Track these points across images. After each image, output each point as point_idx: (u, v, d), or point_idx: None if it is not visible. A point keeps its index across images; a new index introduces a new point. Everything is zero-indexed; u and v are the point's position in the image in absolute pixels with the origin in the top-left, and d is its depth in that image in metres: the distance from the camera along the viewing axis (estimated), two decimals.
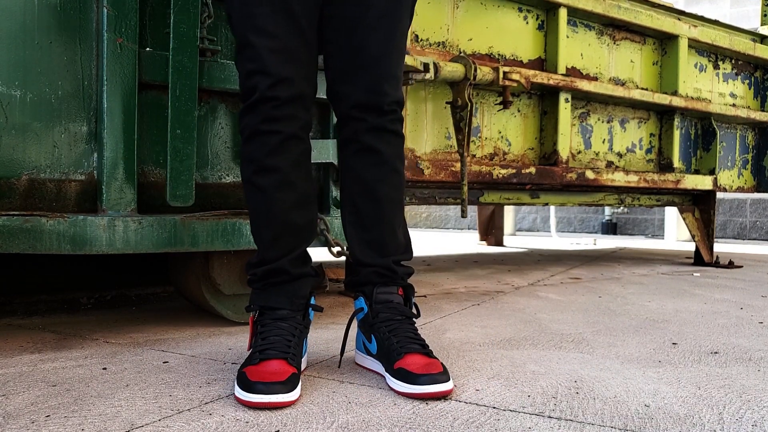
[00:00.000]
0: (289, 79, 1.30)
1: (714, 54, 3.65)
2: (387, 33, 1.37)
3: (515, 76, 2.51)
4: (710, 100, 3.59)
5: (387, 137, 1.41)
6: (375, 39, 1.36)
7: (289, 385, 1.17)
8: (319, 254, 3.92)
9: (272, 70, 1.28)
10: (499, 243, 5.34)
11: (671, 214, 6.43)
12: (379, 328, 1.36)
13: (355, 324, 1.53)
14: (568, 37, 2.98)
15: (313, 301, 1.41)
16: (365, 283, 1.42)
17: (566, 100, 2.88)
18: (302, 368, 1.36)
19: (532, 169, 2.75)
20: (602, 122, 3.19)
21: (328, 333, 1.79)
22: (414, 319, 1.41)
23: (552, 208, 7.01)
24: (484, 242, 5.39)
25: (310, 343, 1.65)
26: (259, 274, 1.37)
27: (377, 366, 1.37)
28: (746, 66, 3.82)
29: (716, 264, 3.75)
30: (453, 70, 2.33)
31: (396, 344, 1.31)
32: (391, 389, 1.26)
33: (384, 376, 1.32)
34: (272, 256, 1.35)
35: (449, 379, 1.23)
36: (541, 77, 2.72)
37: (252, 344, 1.33)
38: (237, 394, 1.18)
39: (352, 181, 1.43)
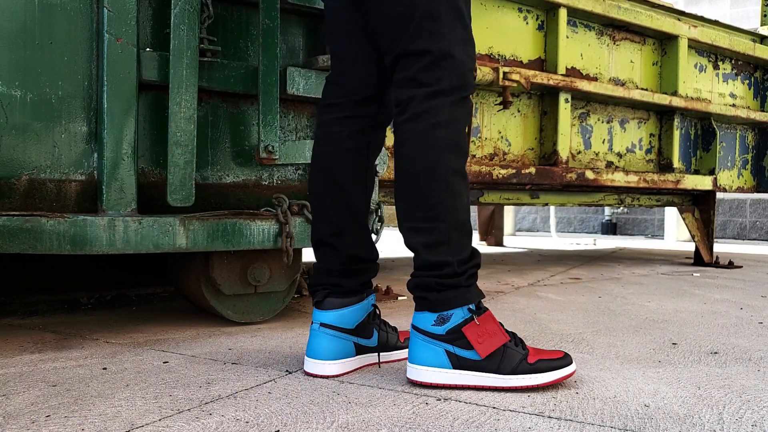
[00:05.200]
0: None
1: (714, 54, 3.65)
2: None
3: (515, 77, 2.51)
4: (710, 101, 3.59)
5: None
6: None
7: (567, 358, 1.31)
8: None
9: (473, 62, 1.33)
10: (499, 243, 5.35)
11: (671, 214, 6.43)
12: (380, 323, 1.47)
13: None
14: (568, 37, 2.98)
15: None
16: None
17: (566, 101, 2.88)
18: None
19: (532, 170, 2.75)
20: (602, 122, 3.19)
21: None
22: None
23: (552, 208, 7.01)
24: (484, 242, 5.39)
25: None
26: (478, 267, 1.34)
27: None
28: (746, 66, 3.83)
29: (716, 264, 3.75)
30: None
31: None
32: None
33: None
34: (475, 250, 1.35)
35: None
36: (541, 77, 2.72)
37: (507, 333, 1.31)
38: (559, 375, 1.27)
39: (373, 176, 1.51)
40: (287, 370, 1.40)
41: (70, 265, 2.24)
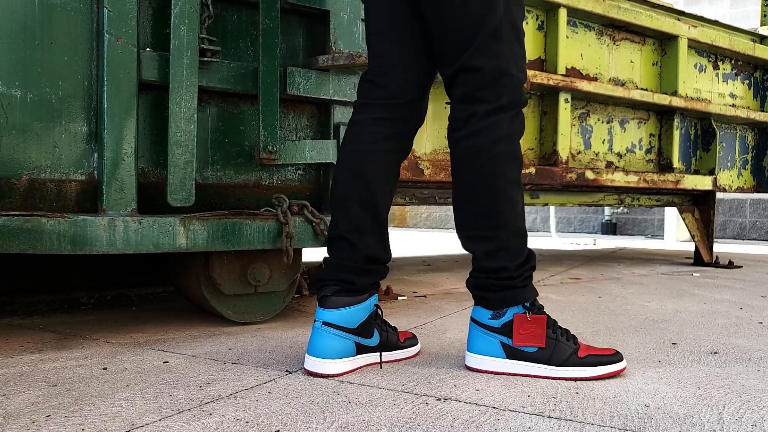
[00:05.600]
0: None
1: (714, 54, 3.65)
2: None
3: None
4: (710, 101, 3.59)
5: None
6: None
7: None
8: (318, 254, 3.92)
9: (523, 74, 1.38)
10: None
11: (671, 214, 6.43)
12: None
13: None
14: (567, 37, 2.98)
15: None
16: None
17: (566, 101, 2.88)
18: None
19: (532, 170, 2.75)
20: (602, 122, 3.19)
21: None
22: None
23: (552, 208, 7.01)
24: None
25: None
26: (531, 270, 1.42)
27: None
28: (746, 66, 3.83)
29: (716, 264, 3.75)
30: None
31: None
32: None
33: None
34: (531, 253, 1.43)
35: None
36: (540, 77, 2.72)
37: (561, 328, 1.40)
38: (608, 370, 1.34)
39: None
40: (287, 370, 1.41)
41: (70, 265, 2.24)
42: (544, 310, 1.39)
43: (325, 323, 1.38)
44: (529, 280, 1.40)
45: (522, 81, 1.37)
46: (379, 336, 1.45)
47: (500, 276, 1.36)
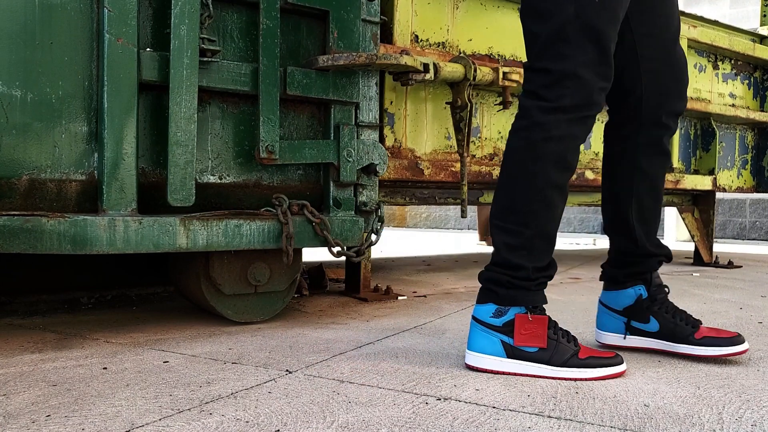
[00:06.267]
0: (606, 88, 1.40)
1: (713, 54, 3.65)
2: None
3: (515, 77, 2.51)
4: (710, 101, 3.59)
5: (671, 141, 1.63)
6: (680, 50, 1.55)
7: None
8: (318, 254, 3.92)
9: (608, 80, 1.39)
10: None
11: (671, 214, 6.43)
12: (659, 310, 1.55)
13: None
14: None
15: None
16: (647, 271, 1.57)
17: None
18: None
19: None
20: (602, 122, 3.19)
21: (328, 333, 1.79)
22: None
23: None
24: (484, 242, 5.39)
25: (309, 343, 1.66)
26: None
27: (657, 343, 1.55)
28: (746, 66, 3.83)
29: (716, 264, 3.75)
30: (453, 70, 2.33)
31: (686, 319, 1.53)
32: (694, 356, 1.50)
33: (674, 350, 1.53)
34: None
35: (745, 340, 1.49)
36: None
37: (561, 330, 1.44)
38: (607, 372, 1.35)
39: (641, 180, 1.57)
40: (287, 370, 1.41)
41: (70, 265, 2.24)
42: (545, 310, 1.40)
43: (601, 302, 1.64)
44: (542, 287, 1.42)
45: (597, 85, 1.35)
46: (660, 324, 1.54)
47: (517, 274, 1.38)
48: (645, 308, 1.56)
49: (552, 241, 1.41)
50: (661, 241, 1.59)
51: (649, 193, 1.57)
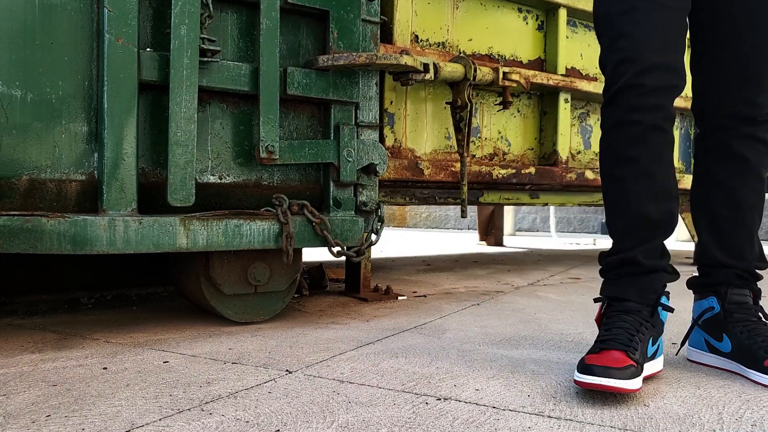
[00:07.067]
0: (661, 67, 1.31)
1: None
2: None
3: (515, 77, 2.51)
4: None
5: (756, 145, 1.44)
6: (760, 51, 1.41)
7: (627, 372, 1.17)
8: (318, 254, 3.92)
9: (644, 57, 1.30)
10: (499, 243, 5.35)
11: None
12: (735, 328, 1.39)
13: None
14: (567, 37, 2.98)
15: (665, 301, 1.39)
16: (720, 284, 1.45)
17: (566, 101, 2.88)
18: (648, 372, 1.31)
19: (532, 170, 2.75)
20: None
21: (328, 333, 1.79)
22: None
23: (552, 208, 7.02)
24: (483, 242, 5.39)
25: (309, 343, 1.66)
26: (612, 263, 1.40)
27: (729, 365, 1.40)
28: None
29: None
30: (453, 70, 2.33)
31: (762, 343, 1.34)
32: (758, 384, 1.32)
33: (746, 375, 1.36)
34: (625, 246, 1.38)
35: None
36: (540, 77, 2.72)
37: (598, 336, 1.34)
38: (575, 377, 1.20)
39: (710, 186, 1.48)
40: (287, 370, 1.41)
41: (70, 265, 2.24)
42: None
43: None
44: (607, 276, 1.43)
45: (609, 66, 1.34)
46: (732, 343, 1.39)
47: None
48: (718, 324, 1.43)
49: (617, 230, 1.43)
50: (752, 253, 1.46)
51: (724, 202, 1.46)
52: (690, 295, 1.59)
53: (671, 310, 1.38)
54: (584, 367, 1.19)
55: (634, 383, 1.18)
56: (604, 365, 1.17)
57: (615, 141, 1.37)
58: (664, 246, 1.41)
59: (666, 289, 1.40)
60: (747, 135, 1.43)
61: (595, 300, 1.41)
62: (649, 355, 1.31)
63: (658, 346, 1.35)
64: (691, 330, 1.49)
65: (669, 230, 1.41)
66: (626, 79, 1.31)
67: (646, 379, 1.32)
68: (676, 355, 1.57)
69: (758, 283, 1.47)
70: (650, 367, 1.32)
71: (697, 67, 1.48)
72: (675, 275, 1.43)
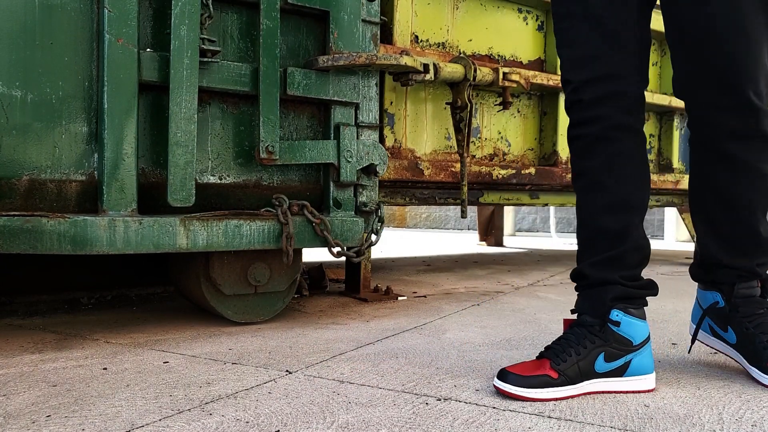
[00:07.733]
0: (593, 79, 1.32)
1: None
2: (735, 33, 1.29)
3: (515, 77, 2.51)
4: None
5: (745, 141, 1.35)
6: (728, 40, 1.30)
7: (534, 381, 1.20)
8: (318, 254, 3.92)
9: (571, 77, 1.36)
10: (499, 243, 5.35)
11: (671, 214, 6.43)
12: (740, 323, 1.38)
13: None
14: None
15: (616, 314, 1.29)
16: (722, 283, 1.43)
17: None
18: (607, 389, 1.26)
19: (532, 170, 2.75)
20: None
21: (328, 333, 1.79)
22: None
23: (552, 208, 7.02)
24: (483, 242, 5.39)
25: (309, 343, 1.66)
26: (571, 277, 1.41)
27: (734, 354, 1.41)
28: None
29: None
30: (453, 70, 2.33)
31: (767, 342, 1.33)
32: (759, 383, 1.32)
33: (746, 368, 1.37)
34: (579, 259, 1.38)
35: None
36: (540, 78, 2.72)
37: None
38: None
39: (704, 185, 1.43)
40: (287, 370, 1.41)
41: (70, 265, 2.24)
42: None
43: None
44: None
45: (567, 83, 1.39)
46: (737, 335, 1.39)
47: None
48: (723, 317, 1.42)
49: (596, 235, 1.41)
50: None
51: (717, 204, 1.41)
52: (690, 296, 1.59)
53: (617, 324, 1.28)
54: (500, 372, 1.24)
55: (542, 393, 1.20)
56: (516, 373, 1.22)
57: (571, 156, 1.41)
58: (624, 257, 1.32)
59: (632, 301, 1.31)
60: (732, 130, 1.34)
61: (572, 312, 1.40)
62: (603, 371, 1.25)
63: (627, 362, 1.27)
64: (702, 320, 1.48)
65: (630, 240, 1.33)
66: (567, 97, 1.38)
67: None
68: (689, 352, 1.57)
69: None
70: (611, 385, 1.26)
71: (674, 63, 1.40)
72: (636, 288, 1.33)
